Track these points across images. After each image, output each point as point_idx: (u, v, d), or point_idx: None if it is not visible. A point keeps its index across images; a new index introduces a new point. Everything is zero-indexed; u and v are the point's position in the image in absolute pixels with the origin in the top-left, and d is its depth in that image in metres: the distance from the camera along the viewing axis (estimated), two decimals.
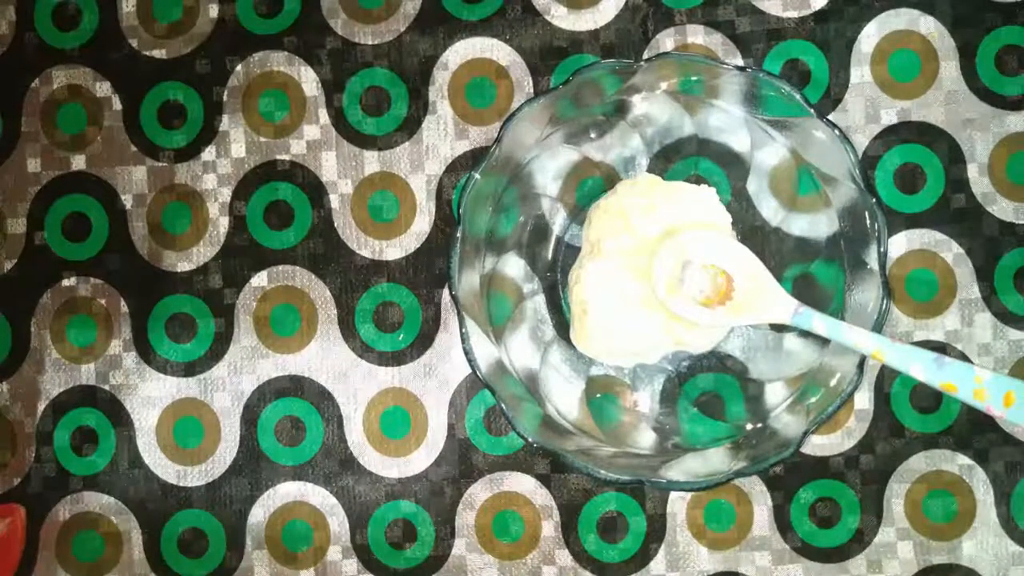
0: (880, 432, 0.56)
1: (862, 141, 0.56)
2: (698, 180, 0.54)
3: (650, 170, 0.55)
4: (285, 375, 0.58)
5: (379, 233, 0.58)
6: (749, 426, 0.51)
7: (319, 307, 0.58)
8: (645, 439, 0.53)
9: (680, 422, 0.53)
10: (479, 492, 0.57)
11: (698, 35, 0.57)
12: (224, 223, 0.58)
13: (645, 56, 0.57)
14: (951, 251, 0.56)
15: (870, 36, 0.56)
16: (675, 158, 0.54)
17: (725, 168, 0.54)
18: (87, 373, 0.58)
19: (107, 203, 0.59)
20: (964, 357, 0.56)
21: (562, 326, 0.55)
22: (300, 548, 0.58)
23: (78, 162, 0.59)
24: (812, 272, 0.52)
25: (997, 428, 0.56)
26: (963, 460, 0.56)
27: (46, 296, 0.59)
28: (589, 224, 0.53)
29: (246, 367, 0.58)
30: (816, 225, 0.51)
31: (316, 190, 0.58)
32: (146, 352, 0.58)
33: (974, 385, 0.44)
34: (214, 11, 0.59)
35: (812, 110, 0.47)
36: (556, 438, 0.50)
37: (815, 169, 0.50)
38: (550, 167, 0.54)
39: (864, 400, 0.56)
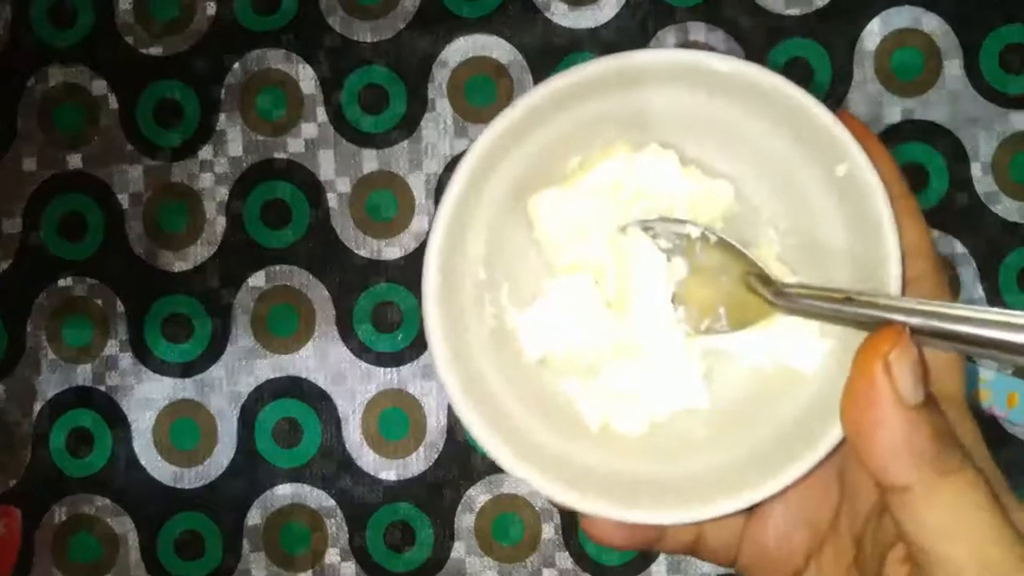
0: None
1: None
2: None
3: None
4: (283, 376, 0.57)
5: (377, 232, 0.57)
6: None
7: (317, 307, 0.57)
8: None
9: None
10: (478, 494, 0.57)
11: (699, 33, 0.56)
12: (221, 222, 0.58)
13: None
14: (954, 250, 0.55)
15: (873, 34, 0.56)
16: None
17: None
18: (83, 374, 0.58)
19: (103, 202, 0.58)
20: (967, 358, 0.55)
21: None
22: (298, 550, 0.57)
23: (74, 161, 0.58)
24: None
25: (997, 428, 0.55)
26: None
27: (42, 296, 0.58)
28: None
29: (243, 368, 0.57)
30: None
31: (314, 189, 0.58)
32: (142, 353, 0.58)
33: (978, 385, 0.44)
34: (211, 9, 0.58)
35: None
36: None
37: None
38: None
39: None
